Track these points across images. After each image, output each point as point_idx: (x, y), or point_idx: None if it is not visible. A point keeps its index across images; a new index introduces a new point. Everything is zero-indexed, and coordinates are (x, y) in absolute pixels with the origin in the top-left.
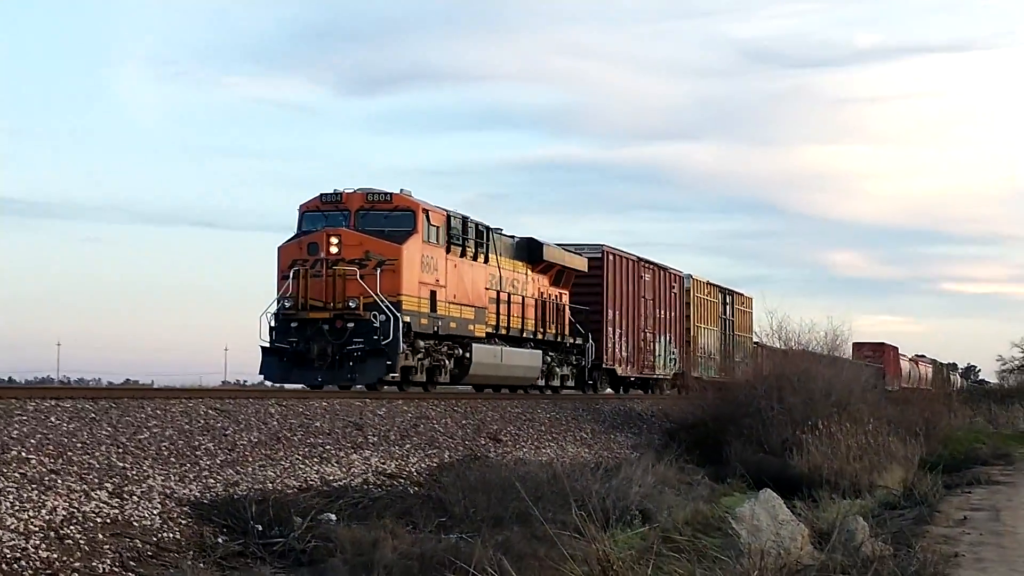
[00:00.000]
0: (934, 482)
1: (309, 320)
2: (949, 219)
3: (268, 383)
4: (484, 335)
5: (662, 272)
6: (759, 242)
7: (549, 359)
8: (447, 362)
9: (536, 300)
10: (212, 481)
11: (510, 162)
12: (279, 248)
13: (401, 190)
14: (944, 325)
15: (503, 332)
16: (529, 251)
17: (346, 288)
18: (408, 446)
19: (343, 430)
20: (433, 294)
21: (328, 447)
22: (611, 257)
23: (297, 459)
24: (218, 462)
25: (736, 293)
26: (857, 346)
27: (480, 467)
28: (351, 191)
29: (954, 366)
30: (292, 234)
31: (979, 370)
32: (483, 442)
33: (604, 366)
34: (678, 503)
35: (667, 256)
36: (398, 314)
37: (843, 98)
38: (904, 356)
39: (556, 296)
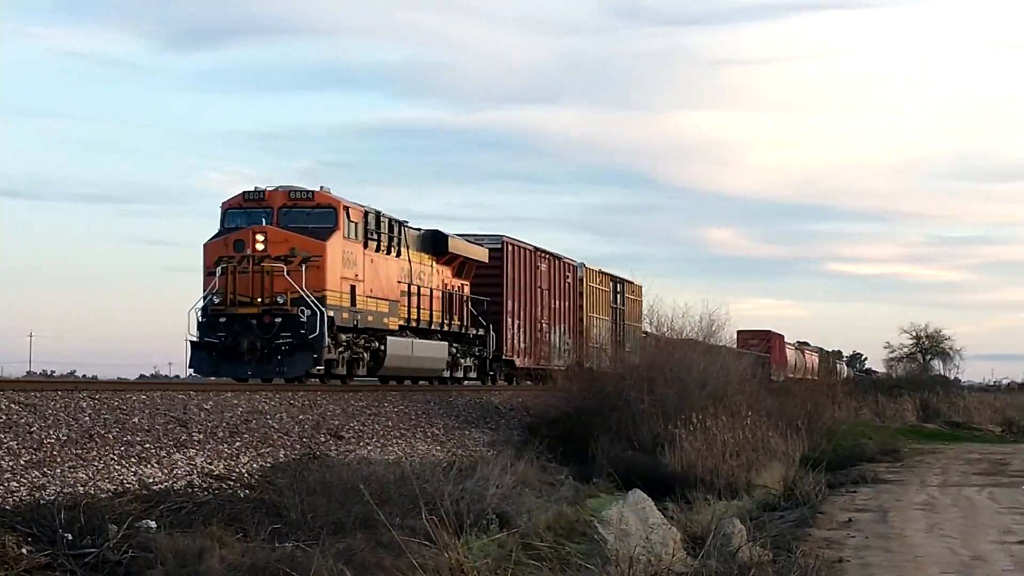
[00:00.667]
0: (817, 481)
1: (238, 315)
2: (836, 193)
3: (197, 375)
4: (397, 328)
5: (557, 262)
6: (630, 217)
7: (454, 351)
8: (365, 355)
9: (442, 292)
10: (15, 485)
11: (353, 126)
12: (204, 245)
13: (321, 187)
14: (831, 309)
15: (413, 324)
16: (434, 243)
17: (273, 284)
18: (238, 444)
19: (164, 426)
20: (353, 288)
21: (147, 446)
22: (510, 248)
23: (112, 459)
24: (22, 463)
25: (627, 282)
26: (742, 334)
27: (320, 467)
28: (273, 189)
29: (839, 354)
30: (216, 231)
31: (866, 359)
32: (323, 439)
33: (504, 357)
34: (539, 506)
35: (528, 232)
36: (323, 309)
37: (722, 59)
38: (790, 344)
39: (459, 287)
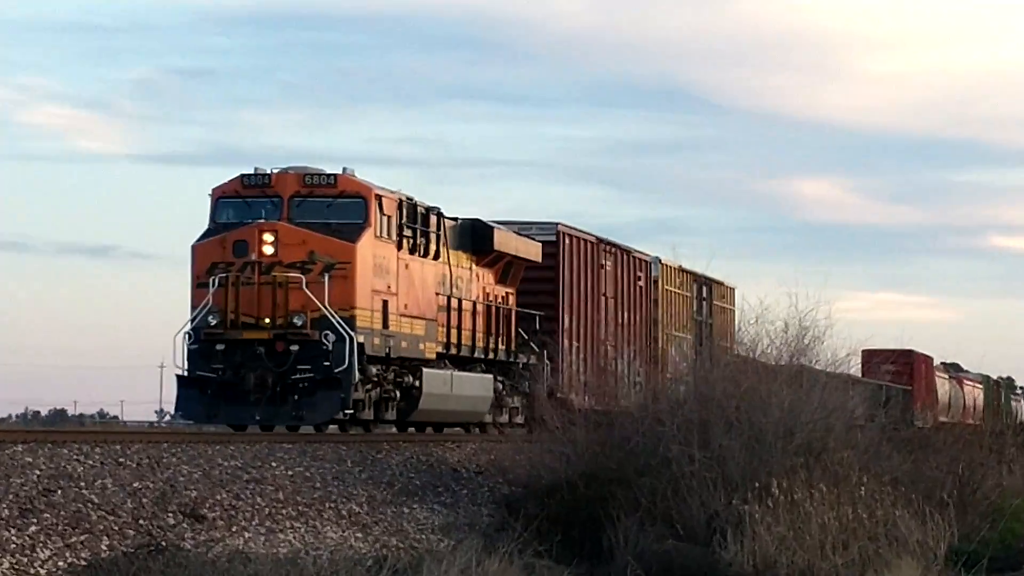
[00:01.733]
0: None
1: (241, 342)
2: (1004, 122)
3: (187, 422)
4: (435, 356)
5: (626, 257)
6: (667, 162)
7: (499, 386)
8: (395, 393)
9: (484, 305)
10: None
11: (218, 14)
12: (193, 247)
13: (344, 170)
14: (995, 310)
15: (452, 351)
16: (474, 238)
17: (288, 300)
18: (34, 529)
19: None
20: (385, 304)
21: None
22: (568, 240)
23: None
24: None
25: (715, 283)
26: (870, 356)
27: (168, 567)
28: (281, 171)
29: (1012, 384)
30: (205, 227)
31: None
32: (173, 521)
33: (558, 395)
34: None
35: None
36: (352, 333)
37: None
38: (941, 372)
39: (504, 298)
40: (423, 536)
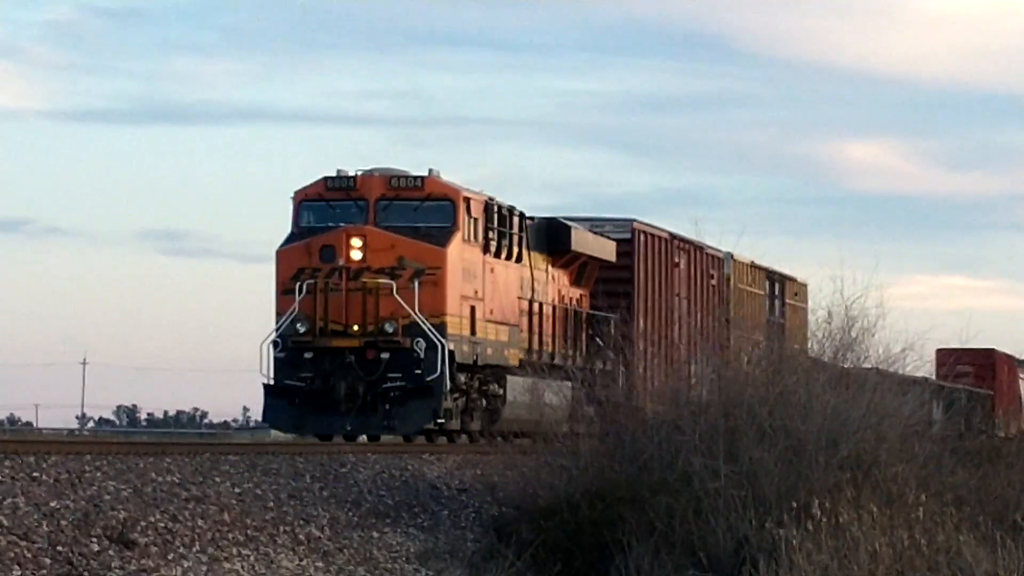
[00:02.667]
0: None
1: (330, 350)
2: None
3: (276, 432)
4: (518, 363)
5: (699, 253)
6: (688, 121)
7: (575, 395)
8: (482, 401)
9: (561, 308)
10: None
11: None
12: (278, 252)
13: (431, 171)
14: None
15: (535, 358)
16: (550, 238)
17: (379, 307)
18: None
19: None
20: (472, 311)
21: None
22: (643, 238)
23: None
24: None
25: (788, 279)
26: (946, 355)
27: None
28: (366, 173)
29: None
30: (288, 232)
31: None
32: (98, 547)
33: (634, 403)
34: None
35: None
36: (444, 340)
37: None
38: None
39: (578, 300)
40: (396, 565)
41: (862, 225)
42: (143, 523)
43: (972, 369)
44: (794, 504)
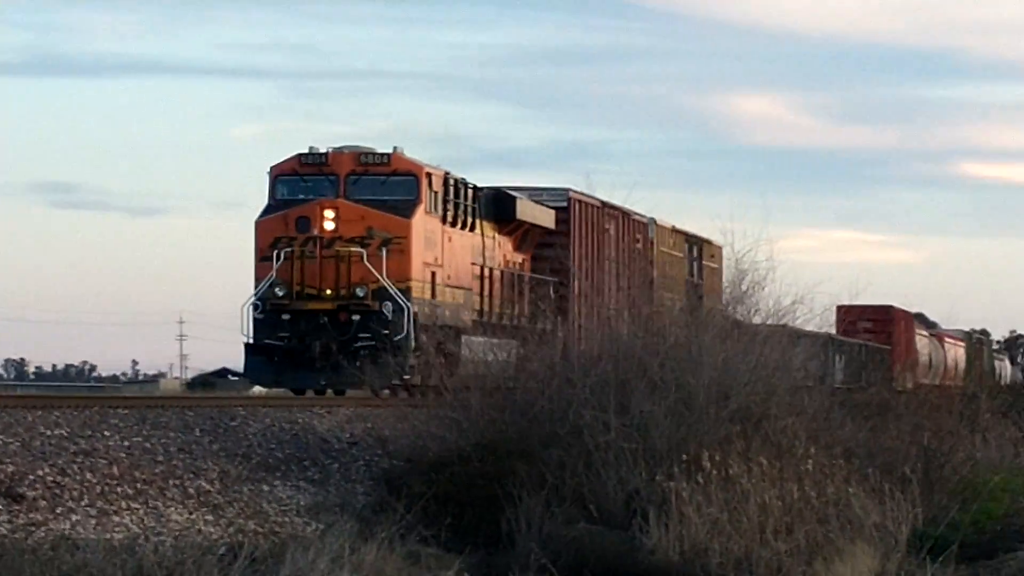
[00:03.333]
0: None
1: (306, 312)
2: (980, 28)
3: (257, 388)
4: (471, 324)
5: (626, 219)
6: (583, 74)
7: (520, 352)
8: (441, 359)
9: (507, 273)
10: None
11: None
12: (257, 223)
13: (396, 149)
14: (967, 250)
15: (485, 318)
16: (497, 208)
17: (350, 273)
18: None
19: None
20: (433, 276)
21: None
22: (577, 206)
23: None
24: None
25: (705, 242)
26: (846, 313)
27: None
28: (337, 150)
29: (984, 336)
30: (265, 204)
31: None
32: None
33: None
34: None
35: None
36: (409, 304)
37: None
38: (922, 330)
39: (521, 265)
40: (286, 519)
41: (753, 178)
42: (31, 477)
43: (871, 325)
44: (684, 457)
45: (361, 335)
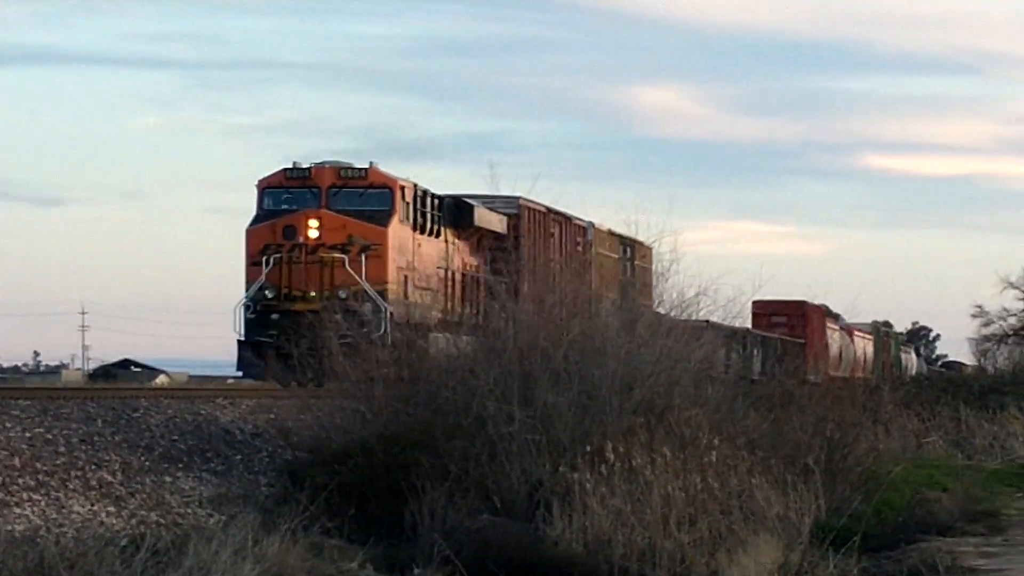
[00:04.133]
0: (841, 572)
1: (293, 312)
2: (884, 20)
3: (248, 381)
4: (437, 322)
5: (568, 224)
6: (488, 66)
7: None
8: (412, 354)
9: (465, 276)
10: None
11: None
12: (248, 231)
13: (371, 164)
14: (869, 241)
15: (448, 317)
16: (456, 215)
17: (333, 277)
18: None
19: None
20: (406, 279)
21: None
22: (527, 213)
23: None
24: None
25: (638, 243)
26: (761, 308)
27: None
28: (319, 165)
29: (887, 327)
30: (254, 214)
31: (937, 338)
32: None
33: None
34: None
35: (296, 93)
36: (386, 304)
37: None
38: (833, 323)
39: (477, 267)
40: (189, 510)
41: (658, 170)
42: None
43: (785, 319)
44: (588, 448)
45: (343, 333)
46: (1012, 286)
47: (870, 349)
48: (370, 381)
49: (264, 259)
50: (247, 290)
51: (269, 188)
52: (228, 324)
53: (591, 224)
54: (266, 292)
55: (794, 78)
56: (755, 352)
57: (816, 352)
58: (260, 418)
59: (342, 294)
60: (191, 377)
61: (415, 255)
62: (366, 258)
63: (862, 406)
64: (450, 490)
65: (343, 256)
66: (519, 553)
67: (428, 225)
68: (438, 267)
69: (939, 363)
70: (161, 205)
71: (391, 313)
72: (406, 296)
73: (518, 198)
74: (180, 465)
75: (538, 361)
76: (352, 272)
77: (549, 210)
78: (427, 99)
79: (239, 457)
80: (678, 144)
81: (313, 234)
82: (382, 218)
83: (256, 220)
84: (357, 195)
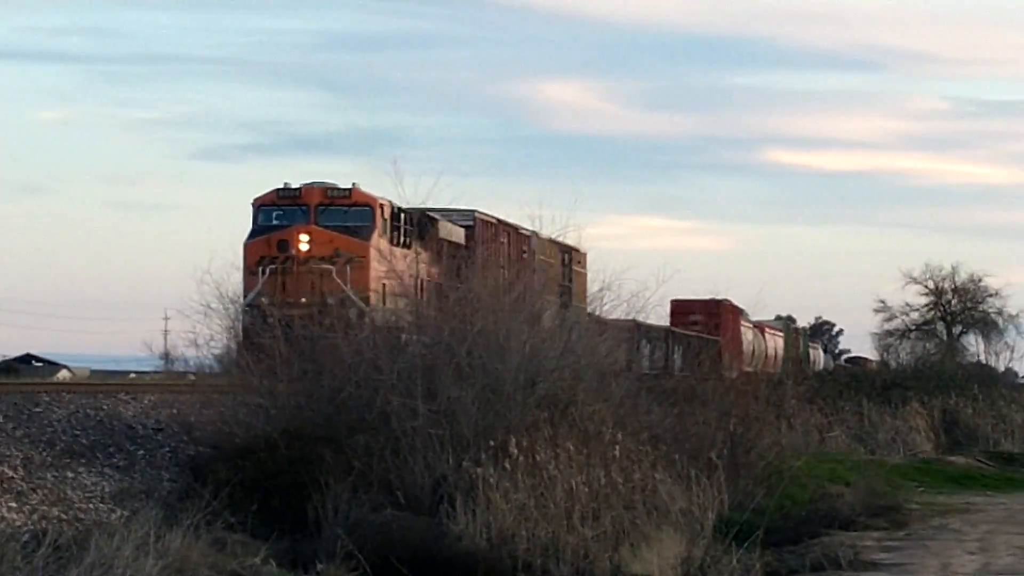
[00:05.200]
0: (746, 566)
1: (287, 316)
2: (787, 16)
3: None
4: (408, 325)
5: (514, 233)
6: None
7: None
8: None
9: (430, 283)
10: None
11: None
12: (245, 244)
13: (354, 184)
14: (770, 236)
15: (419, 321)
16: (422, 228)
17: (322, 285)
18: None
19: None
20: (384, 287)
21: None
22: (480, 225)
23: None
24: None
25: (575, 250)
26: (679, 307)
27: None
28: (307, 185)
29: (791, 322)
30: (250, 229)
31: (840, 333)
32: None
33: None
34: None
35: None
36: (368, 310)
37: None
38: (747, 322)
39: (438, 276)
40: (91, 505)
41: (561, 165)
42: None
43: (702, 318)
44: (492, 443)
45: (330, 335)
46: (914, 281)
47: (781, 346)
48: (273, 376)
49: (260, 269)
50: (244, 296)
51: (263, 206)
52: (131, 319)
53: (535, 233)
54: (262, 299)
55: (697, 74)
56: (676, 349)
57: (731, 349)
58: (163, 413)
59: (330, 301)
60: (93, 372)
61: (392, 265)
62: (351, 269)
63: (765, 401)
64: (353, 485)
65: (331, 267)
66: (422, 548)
67: (401, 238)
68: (410, 276)
69: (844, 358)
70: (63, 199)
71: (372, 317)
72: (384, 302)
73: (473, 211)
74: (82, 460)
75: (442, 355)
76: (339, 281)
77: (499, 221)
78: (329, 93)
79: (141, 452)
80: (581, 139)
81: (304, 247)
82: (364, 233)
83: (252, 235)
84: (342, 212)
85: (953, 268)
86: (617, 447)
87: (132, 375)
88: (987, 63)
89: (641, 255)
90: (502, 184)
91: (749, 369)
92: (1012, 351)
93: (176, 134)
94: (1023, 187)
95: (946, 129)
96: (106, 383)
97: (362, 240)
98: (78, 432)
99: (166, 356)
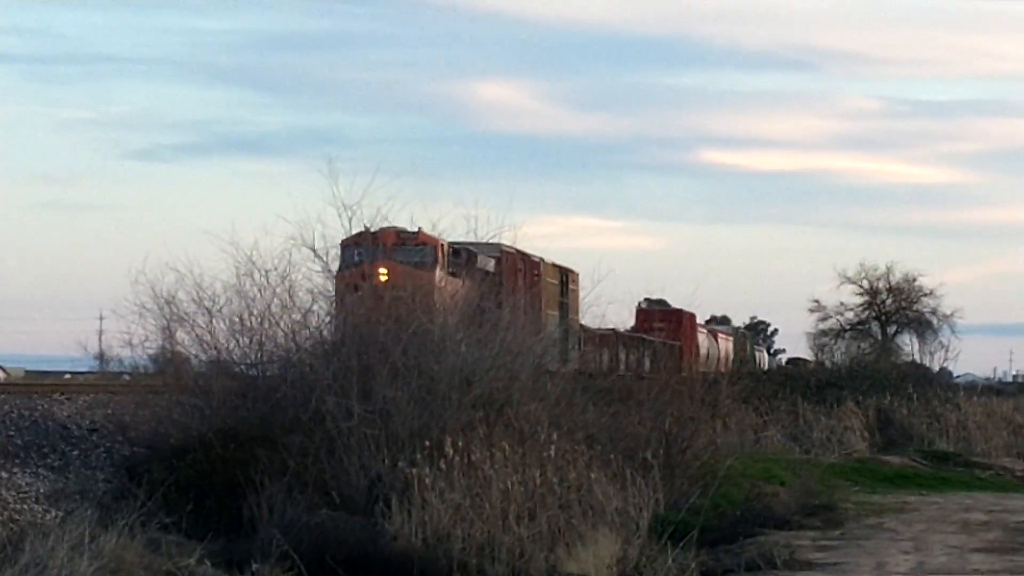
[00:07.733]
0: (681, 566)
1: None
2: (719, 16)
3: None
4: None
5: (527, 260)
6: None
7: None
8: None
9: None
10: None
11: None
12: (337, 275)
13: (420, 229)
14: (705, 236)
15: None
16: (466, 261)
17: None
18: None
19: None
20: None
21: None
22: (506, 256)
23: None
24: None
25: (570, 271)
26: (643, 314)
27: None
28: (383, 229)
29: (724, 322)
30: (340, 262)
31: (775, 333)
32: None
33: None
34: None
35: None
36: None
37: None
38: (701, 327)
39: (475, 300)
40: (25, 506)
41: (495, 165)
42: None
43: (664, 325)
44: (427, 443)
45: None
46: (849, 281)
47: (731, 348)
48: (207, 376)
49: (347, 297)
50: (336, 317)
51: (347, 245)
52: (65, 320)
53: (542, 259)
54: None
55: (628, 73)
56: (644, 353)
57: (689, 353)
58: (98, 413)
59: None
60: (28, 372)
61: (447, 293)
62: (419, 295)
63: (700, 401)
64: (289, 485)
65: (404, 294)
66: (358, 548)
67: (453, 270)
68: (458, 299)
69: (782, 359)
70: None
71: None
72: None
73: (500, 245)
74: (16, 461)
75: (377, 356)
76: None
77: (518, 251)
78: (262, 93)
79: (76, 453)
80: (514, 139)
81: (383, 278)
82: (429, 266)
83: (341, 268)
84: (411, 250)
85: (888, 268)
86: (552, 447)
87: (67, 375)
88: (921, 63)
89: (575, 255)
90: (437, 184)
91: (704, 371)
92: (946, 351)
93: (110, 134)
94: (957, 187)
95: (880, 129)
96: (40, 383)
97: (428, 272)
98: (12, 432)
99: (101, 356)
